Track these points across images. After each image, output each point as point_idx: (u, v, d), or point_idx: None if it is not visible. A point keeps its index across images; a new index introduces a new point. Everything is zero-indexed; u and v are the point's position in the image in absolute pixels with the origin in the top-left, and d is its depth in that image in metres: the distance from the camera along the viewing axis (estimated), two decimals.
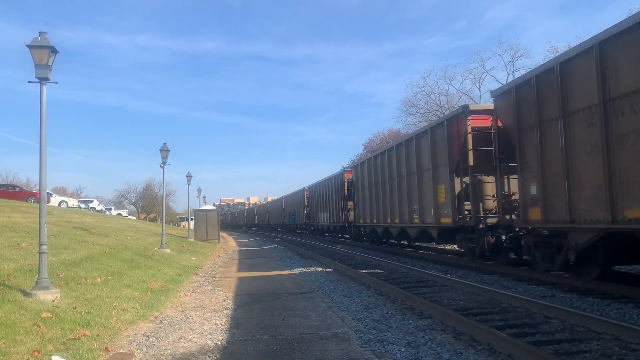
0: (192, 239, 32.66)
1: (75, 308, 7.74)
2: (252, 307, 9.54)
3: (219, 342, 6.80)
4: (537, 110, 10.84)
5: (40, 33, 8.30)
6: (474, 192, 14.01)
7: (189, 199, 43.69)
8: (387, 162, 21.00)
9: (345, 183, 30.43)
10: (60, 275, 9.73)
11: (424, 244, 21.27)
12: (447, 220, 15.13)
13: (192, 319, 8.47)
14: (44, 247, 8.29)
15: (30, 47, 8.22)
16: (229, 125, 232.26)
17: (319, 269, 15.79)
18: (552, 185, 10.48)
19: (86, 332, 6.70)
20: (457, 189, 14.65)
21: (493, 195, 13.77)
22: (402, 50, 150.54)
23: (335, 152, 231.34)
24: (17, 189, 39.15)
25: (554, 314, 7.32)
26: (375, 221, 22.98)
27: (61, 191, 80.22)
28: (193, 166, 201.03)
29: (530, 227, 11.76)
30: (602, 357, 5.41)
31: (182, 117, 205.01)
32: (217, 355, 6.23)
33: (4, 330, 6.01)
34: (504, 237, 13.30)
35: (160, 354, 6.25)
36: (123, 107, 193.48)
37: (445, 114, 36.75)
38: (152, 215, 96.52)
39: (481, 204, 14.05)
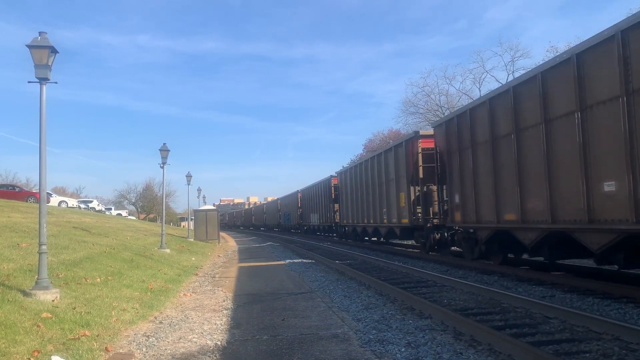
0: (192, 239, 32.66)
1: (75, 308, 7.74)
2: (252, 307, 9.53)
3: (218, 342, 6.80)
4: (458, 141, 14.55)
5: (40, 33, 8.30)
6: (424, 199, 17.86)
7: (188, 199, 43.85)
8: (364, 171, 24.95)
9: (332, 188, 33.99)
10: (60, 276, 9.73)
11: (394, 241, 25.21)
12: (406, 221, 19.08)
13: (192, 319, 8.47)
14: (44, 247, 8.29)
15: (30, 47, 8.22)
16: (229, 125, 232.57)
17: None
18: (467, 196, 14.18)
19: (86, 332, 6.70)
20: (413, 196, 18.45)
21: (437, 201, 17.33)
22: (402, 50, 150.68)
23: (336, 152, 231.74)
24: (17, 189, 39.14)
25: (554, 314, 7.31)
26: (356, 222, 26.81)
27: (61, 191, 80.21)
28: (193, 166, 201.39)
29: (456, 227, 15.52)
30: (602, 357, 5.41)
31: (182, 117, 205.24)
32: (217, 355, 6.23)
33: (3, 331, 6.01)
34: (446, 234, 16.81)
35: (160, 354, 6.25)
36: (123, 107, 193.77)
37: (446, 114, 36.84)
38: (152, 216, 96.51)
39: (430, 208, 17.74)
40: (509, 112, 11.67)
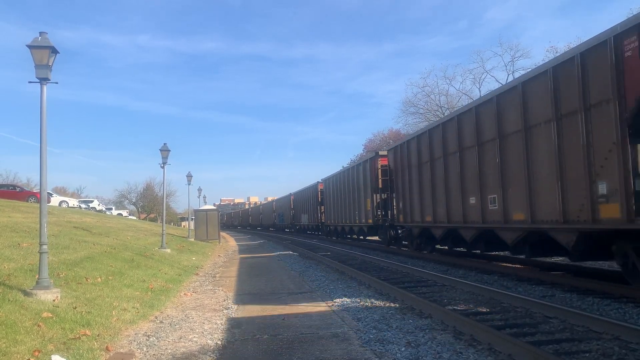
0: (193, 239, 32.65)
1: (75, 308, 7.75)
2: (252, 307, 9.53)
3: (219, 342, 6.81)
4: (405, 161, 18.85)
5: (40, 33, 8.31)
6: (383, 204, 22.82)
7: (189, 199, 43.71)
8: (343, 180, 29.22)
9: (319, 192, 38.14)
10: (61, 275, 9.74)
11: (370, 238, 28.38)
12: (370, 222, 23.87)
13: (193, 318, 8.48)
14: (45, 246, 8.30)
15: (30, 47, 8.22)
16: (229, 125, 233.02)
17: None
18: (405, 203, 18.97)
19: (87, 331, 6.71)
20: (375, 202, 23.28)
21: (392, 206, 21.51)
22: (402, 50, 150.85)
23: (336, 152, 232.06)
24: (18, 189, 39.15)
25: (554, 314, 7.32)
26: (337, 222, 31.34)
27: (61, 191, 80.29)
28: (193, 166, 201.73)
29: (400, 225, 20.43)
30: (602, 357, 5.41)
31: (182, 117, 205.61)
32: (218, 354, 6.24)
33: (4, 330, 6.02)
34: (399, 231, 21.50)
35: (161, 354, 6.26)
36: (123, 107, 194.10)
37: (446, 114, 36.78)
38: (152, 215, 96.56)
39: (389, 211, 22.15)
40: (436, 143, 15.90)
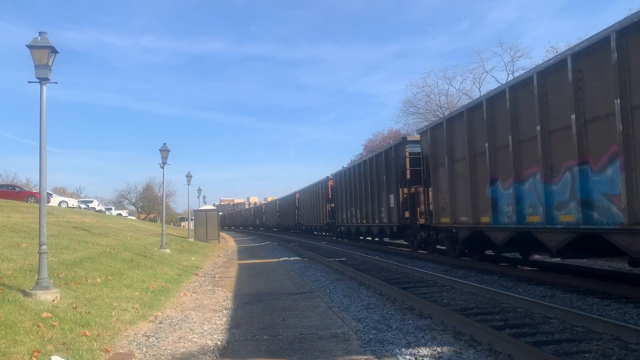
0: (192, 239, 32.66)
1: (75, 308, 7.74)
2: (252, 307, 9.54)
3: (219, 342, 6.80)
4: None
5: (40, 33, 8.30)
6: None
7: (188, 199, 43.79)
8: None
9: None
10: (60, 276, 9.73)
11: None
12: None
13: (192, 319, 8.47)
14: (44, 247, 8.29)
15: (30, 47, 8.22)
16: (231, 125, 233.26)
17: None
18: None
19: (86, 332, 6.70)
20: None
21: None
22: (405, 51, 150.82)
23: (338, 152, 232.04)
24: (17, 189, 39.12)
25: (554, 314, 7.31)
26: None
27: (61, 191, 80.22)
28: (193, 166, 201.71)
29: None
30: (602, 357, 5.40)
31: (184, 117, 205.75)
32: (217, 355, 6.23)
33: (3, 331, 6.01)
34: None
35: (160, 354, 6.25)
36: (126, 108, 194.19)
37: (445, 114, 36.76)
38: (152, 216, 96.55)
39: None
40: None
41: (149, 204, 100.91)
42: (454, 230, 14.78)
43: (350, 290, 11.09)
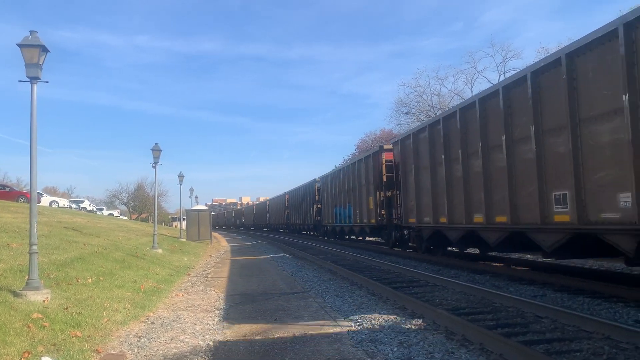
0: (184, 239, 32.55)
1: (66, 309, 7.69)
2: (244, 307, 9.52)
3: (211, 343, 6.79)
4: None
5: (30, 32, 8.23)
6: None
7: (180, 199, 43.56)
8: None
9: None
10: (51, 276, 9.67)
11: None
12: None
13: (184, 319, 8.44)
14: (35, 247, 8.23)
15: (20, 46, 8.15)
16: (224, 125, 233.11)
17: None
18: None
19: (77, 332, 6.66)
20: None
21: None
22: (400, 51, 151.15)
23: (332, 152, 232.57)
24: (7, 189, 38.82)
25: (545, 314, 7.35)
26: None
27: (52, 191, 79.74)
28: (186, 166, 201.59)
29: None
30: (592, 356, 5.44)
31: (178, 117, 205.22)
32: (209, 355, 6.21)
33: None
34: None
35: (152, 355, 6.23)
36: (118, 107, 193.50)
37: (437, 114, 36.87)
38: (144, 215, 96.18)
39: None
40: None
41: (141, 204, 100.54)
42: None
43: (343, 290, 11.09)
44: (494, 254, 15.30)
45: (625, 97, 7.70)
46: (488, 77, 47.05)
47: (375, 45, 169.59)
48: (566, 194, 9.10)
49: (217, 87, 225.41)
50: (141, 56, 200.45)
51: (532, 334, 6.49)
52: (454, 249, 16.55)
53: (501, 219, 11.35)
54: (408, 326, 7.24)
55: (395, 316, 7.95)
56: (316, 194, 36.38)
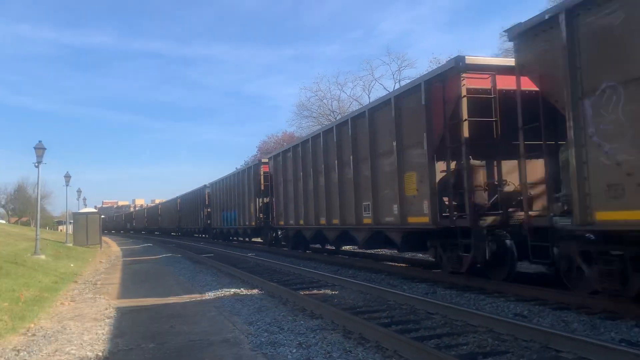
0: (71, 244, 30.63)
1: None
2: (137, 314, 9.08)
3: (100, 353, 6.38)
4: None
5: None
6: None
7: (67, 201, 41.26)
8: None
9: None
10: None
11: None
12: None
13: (70, 329, 7.88)
14: None
15: None
16: (116, 123, 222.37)
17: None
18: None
19: None
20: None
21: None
22: (300, 56, 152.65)
23: (231, 154, 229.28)
24: None
25: (436, 310, 7.74)
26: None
27: None
28: (74, 167, 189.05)
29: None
30: (477, 349, 5.80)
31: (65, 113, 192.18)
32: None
33: None
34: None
35: None
36: None
37: (337, 118, 37.70)
38: (25, 219, 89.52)
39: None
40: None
41: (22, 207, 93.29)
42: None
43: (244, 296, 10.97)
44: (348, 248, 19.50)
45: (394, 143, 11.64)
46: (385, 84, 48.94)
47: (277, 49, 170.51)
48: (369, 204, 13.04)
49: (111, 84, 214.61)
50: (23, 46, 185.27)
51: (424, 329, 6.80)
52: (318, 246, 20.39)
53: (336, 221, 15.24)
54: (307, 326, 7.28)
55: (293, 317, 7.98)
56: (206, 199, 38.40)
